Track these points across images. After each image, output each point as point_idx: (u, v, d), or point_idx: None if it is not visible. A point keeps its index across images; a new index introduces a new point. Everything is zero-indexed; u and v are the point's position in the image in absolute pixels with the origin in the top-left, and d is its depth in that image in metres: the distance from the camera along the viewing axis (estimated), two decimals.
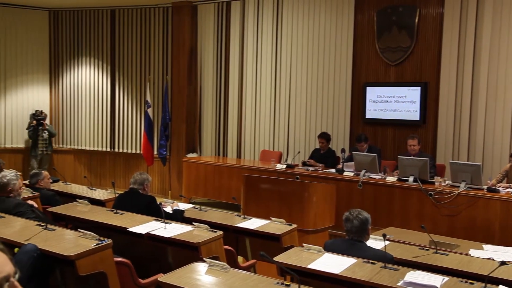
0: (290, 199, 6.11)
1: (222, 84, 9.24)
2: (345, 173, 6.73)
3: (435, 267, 3.39)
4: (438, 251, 3.71)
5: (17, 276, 1.47)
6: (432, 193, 5.82)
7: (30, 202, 4.65)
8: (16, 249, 3.34)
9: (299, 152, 8.22)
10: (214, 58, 9.25)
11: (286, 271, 3.01)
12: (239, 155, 9.11)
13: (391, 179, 6.32)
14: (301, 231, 5.23)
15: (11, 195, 4.40)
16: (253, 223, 4.62)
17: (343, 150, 7.12)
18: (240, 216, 4.94)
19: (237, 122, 9.09)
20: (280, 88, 8.60)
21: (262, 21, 8.71)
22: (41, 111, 10.02)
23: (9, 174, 4.48)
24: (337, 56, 8.02)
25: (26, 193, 5.17)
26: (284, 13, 8.49)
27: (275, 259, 3.29)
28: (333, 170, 6.95)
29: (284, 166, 7.30)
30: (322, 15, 8.12)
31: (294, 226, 4.54)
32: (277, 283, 2.87)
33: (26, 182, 5.85)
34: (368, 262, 3.25)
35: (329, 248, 3.57)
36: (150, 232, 4.02)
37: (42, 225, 3.81)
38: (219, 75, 9.25)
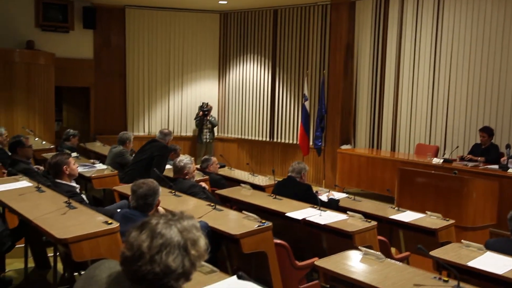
0: (447, 194, 5.72)
1: (377, 77, 8.97)
2: (509, 170, 6.12)
3: None
4: None
5: None
6: None
7: (202, 184, 5.01)
8: None
9: (457, 146, 7.67)
10: (371, 52, 9.01)
11: (445, 266, 2.82)
12: (393, 148, 8.78)
13: None
14: (459, 227, 4.87)
15: (187, 177, 4.78)
16: (408, 216, 4.44)
17: (508, 146, 6.47)
18: (394, 208, 4.78)
19: (392, 115, 8.77)
20: (439, 81, 8.08)
21: (421, 15, 8.25)
22: (207, 103, 10.75)
23: (185, 158, 4.86)
24: (504, 48, 7.29)
25: (197, 176, 5.58)
26: (445, 7, 7.94)
27: (432, 253, 3.11)
28: (495, 166, 6.36)
29: (441, 161, 6.87)
30: (488, 6, 7.42)
31: (452, 221, 4.25)
32: (434, 277, 2.71)
33: (197, 166, 6.31)
34: None
35: (491, 247, 3.27)
36: (307, 218, 4.07)
37: (212, 205, 4.06)
38: (375, 69, 8.99)
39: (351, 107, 9.40)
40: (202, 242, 1.58)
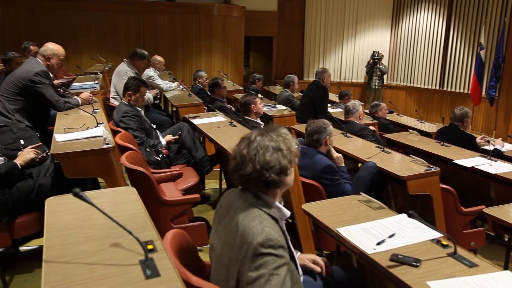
0: None
1: None
2: None
3: None
4: None
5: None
6: None
7: (371, 127, 4.87)
8: (359, 164, 3.57)
9: None
10: None
11: None
12: None
13: None
14: None
15: (359, 120, 4.68)
16: None
17: None
18: None
19: None
20: None
21: None
22: (378, 51, 10.26)
23: (357, 102, 4.76)
24: None
25: (367, 120, 5.44)
26: None
27: None
28: None
29: None
30: None
31: None
32: None
33: (366, 111, 6.14)
34: None
35: None
36: (475, 167, 3.72)
37: (380, 148, 3.93)
38: None
39: None
40: (293, 143, 1.67)
